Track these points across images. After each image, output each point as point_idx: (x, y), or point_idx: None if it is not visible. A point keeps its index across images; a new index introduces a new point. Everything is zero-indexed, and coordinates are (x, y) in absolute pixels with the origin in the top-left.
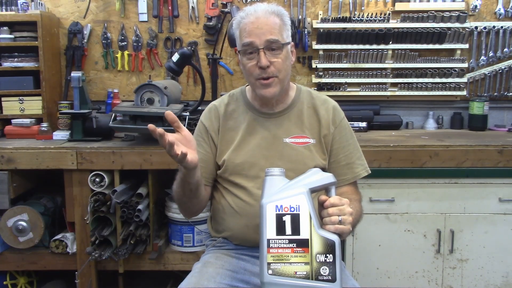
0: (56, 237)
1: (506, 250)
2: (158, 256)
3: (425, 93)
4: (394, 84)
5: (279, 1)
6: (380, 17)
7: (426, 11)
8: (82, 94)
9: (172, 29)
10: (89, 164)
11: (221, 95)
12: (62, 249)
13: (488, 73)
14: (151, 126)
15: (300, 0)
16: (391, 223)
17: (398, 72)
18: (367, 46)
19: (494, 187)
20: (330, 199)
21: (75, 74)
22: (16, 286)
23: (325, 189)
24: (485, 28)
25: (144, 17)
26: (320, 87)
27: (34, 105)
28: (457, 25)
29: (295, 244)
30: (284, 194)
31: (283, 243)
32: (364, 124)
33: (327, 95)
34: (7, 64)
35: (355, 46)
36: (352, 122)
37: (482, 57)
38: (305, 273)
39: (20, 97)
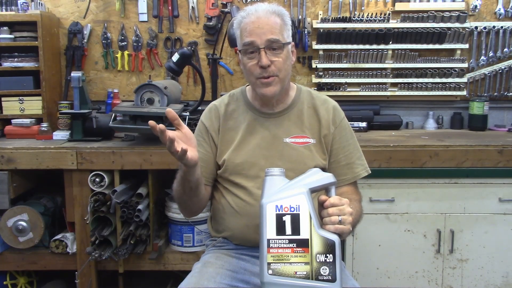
0: (56, 237)
1: (506, 250)
2: (158, 256)
3: (425, 93)
4: (394, 84)
5: (279, 1)
6: (380, 17)
7: (426, 11)
8: (82, 94)
9: (172, 29)
10: (89, 164)
11: (221, 95)
12: (62, 249)
13: (488, 73)
14: (151, 122)
15: (300, 0)
16: (391, 223)
17: (398, 72)
18: (367, 46)
19: (494, 187)
20: (330, 199)
21: (75, 74)
22: (16, 286)
23: (325, 189)
24: (485, 28)
25: (144, 17)
26: (320, 87)
27: (34, 105)
28: (457, 25)
29: (295, 244)
30: (284, 194)
31: (283, 243)
32: (364, 124)
33: (327, 95)
34: (7, 64)
35: (355, 46)
36: (352, 122)
37: (482, 57)
38: (305, 273)
39: (20, 97)
